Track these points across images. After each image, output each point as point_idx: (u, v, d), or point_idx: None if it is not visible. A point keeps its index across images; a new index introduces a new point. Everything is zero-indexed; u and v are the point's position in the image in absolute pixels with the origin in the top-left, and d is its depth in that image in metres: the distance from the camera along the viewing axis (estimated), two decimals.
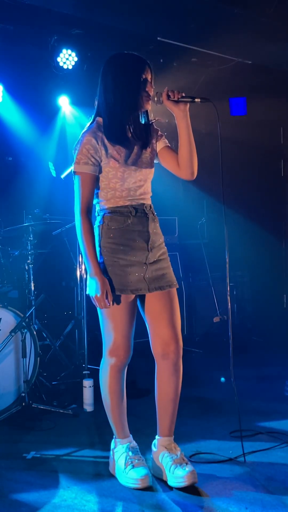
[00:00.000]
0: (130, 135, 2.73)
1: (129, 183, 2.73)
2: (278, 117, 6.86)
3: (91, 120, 2.77)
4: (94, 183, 2.72)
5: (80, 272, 4.60)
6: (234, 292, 6.19)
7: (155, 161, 2.85)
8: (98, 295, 2.65)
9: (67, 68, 5.72)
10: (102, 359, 2.82)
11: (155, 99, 2.70)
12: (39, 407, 3.68)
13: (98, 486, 2.76)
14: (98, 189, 2.76)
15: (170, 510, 2.52)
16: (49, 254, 4.96)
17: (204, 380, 4.53)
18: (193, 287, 5.99)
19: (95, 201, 2.79)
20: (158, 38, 5.66)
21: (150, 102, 2.72)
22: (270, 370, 4.80)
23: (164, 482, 2.76)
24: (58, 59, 5.65)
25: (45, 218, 4.50)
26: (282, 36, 5.56)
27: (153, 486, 2.72)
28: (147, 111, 2.76)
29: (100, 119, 2.75)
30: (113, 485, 2.76)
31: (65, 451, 3.18)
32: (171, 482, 2.71)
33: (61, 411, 3.75)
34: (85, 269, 2.96)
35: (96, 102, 2.78)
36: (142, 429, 3.21)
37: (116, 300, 2.71)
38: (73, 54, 5.70)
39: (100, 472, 2.91)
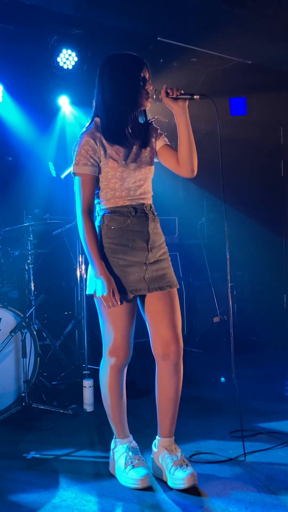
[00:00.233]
0: (128, 134, 2.72)
1: (128, 183, 2.73)
2: (278, 117, 6.86)
3: (89, 121, 2.78)
4: (94, 184, 2.72)
5: (80, 272, 4.60)
6: (234, 292, 6.18)
7: (155, 160, 2.85)
8: (105, 294, 2.64)
9: (67, 68, 5.71)
10: (102, 359, 2.82)
11: (154, 96, 2.70)
12: (39, 407, 3.68)
13: (98, 486, 2.76)
14: (98, 189, 2.75)
15: (170, 510, 2.52)
16: (49, 254, 4.96)
17: (204, 380, 4.53)
18: (193, 287, 5.98)
19: (95, 201, 2.79)
20: (158, 38, 5.66)
21: (149, 100, 2.72)
22: (270, 370, 4.79)
23: (164, 482, 2.75)
24: (58, 59, 5.64)
25: (45, 218, 4.50)
26: (282, 36, 5.56)
27: (153, 486, 2.72)
28: (145, 110, 2.76)
29: (98, 120, 2.74)
30: (113, 485, 2.76)
31: (65, 451, 3.18)
32: (171, 483, 2.71)
33: (61, 411, 3.75)
34: (85, 269, 2.96)
35: (93, 103, 2.77)
36: (142, 429, 3.21)
37: None
38: (73, 54, 5.69)
39: (100, 472, 2.91)
